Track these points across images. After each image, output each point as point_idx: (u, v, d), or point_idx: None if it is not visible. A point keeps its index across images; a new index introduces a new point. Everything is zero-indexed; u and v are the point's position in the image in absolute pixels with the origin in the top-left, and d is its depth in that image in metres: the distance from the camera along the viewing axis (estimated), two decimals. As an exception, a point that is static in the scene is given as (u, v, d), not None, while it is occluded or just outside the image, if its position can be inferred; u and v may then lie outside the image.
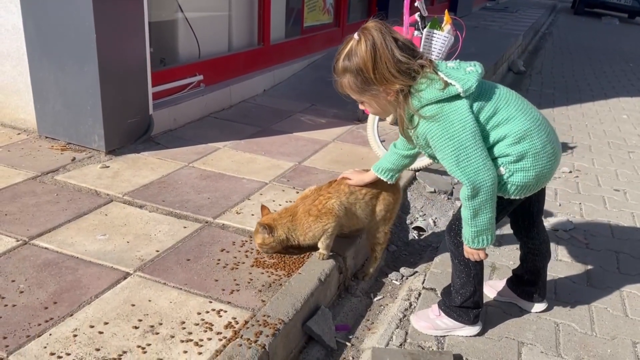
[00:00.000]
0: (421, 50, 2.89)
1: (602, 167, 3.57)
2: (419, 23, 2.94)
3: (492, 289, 2.13)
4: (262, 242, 1.99)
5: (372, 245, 2.14)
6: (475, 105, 1.55)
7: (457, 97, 1.53)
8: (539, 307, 2.03)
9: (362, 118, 3.82)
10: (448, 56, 2.95)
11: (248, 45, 4.47)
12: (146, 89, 3.06)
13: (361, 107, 1.73)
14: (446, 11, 2.90)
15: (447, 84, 1.52)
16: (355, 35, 1.55)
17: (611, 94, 5.62)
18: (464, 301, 1.84)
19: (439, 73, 1.55)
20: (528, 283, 2.02)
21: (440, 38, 2.86)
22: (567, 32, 11.10)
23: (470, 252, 1.70)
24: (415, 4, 2.94)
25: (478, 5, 13.83)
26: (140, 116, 3.04)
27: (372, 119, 3.13)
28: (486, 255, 1.70)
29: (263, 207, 2.10)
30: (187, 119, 3.50)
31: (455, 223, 1.80)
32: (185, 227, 2.22)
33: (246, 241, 2.15)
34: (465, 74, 1.55)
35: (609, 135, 4.26)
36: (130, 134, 3.01)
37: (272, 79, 4.54)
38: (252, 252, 2.07)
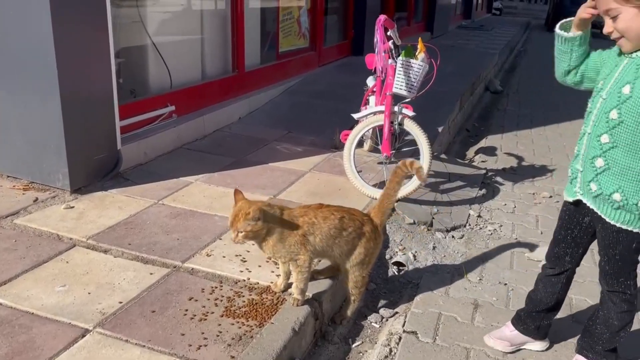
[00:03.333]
0: (395, 79, 2.85)
1: (582, 190, 3.52)
2: (393, 51, 2.89)
3: (500, 341, 1.98)
4: (249, 230, 1.76)
5: (351, 288, 2.04)
6: None
7: None
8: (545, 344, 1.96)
9: (339, 146, 3.74)
10: (423, 84, 2.90)
11: (222, 72, 4.39)
12: (113, 123, 2.95)
13: (608, 26, 1.49)
14: (419, 39, 2.86)
15: None
16: None
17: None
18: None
19: None
20: (546, 318, 1.91)
21: (415, 66, 2.81)
22: (542, 49, 11.24)
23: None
24: (388, 33, 2.89)
25: (454, 24, 14.04)
26: (107, 152, 2.92)
27: (349, 148, 3.05)
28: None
29: (237, 191, 1.85)
30: (159, 152, 3.39)
31: (613, 269, 1.67)
32: (151, 274, 2.10)
33: (216, 287, 2.03)
34: None
35: (588, 156, 4.24)
36: (97, 170, 2.89)
37: (248, 106, 4.46)
38: (222, 300, 1.95)
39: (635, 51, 1.50)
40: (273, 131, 4.09)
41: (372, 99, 3.41)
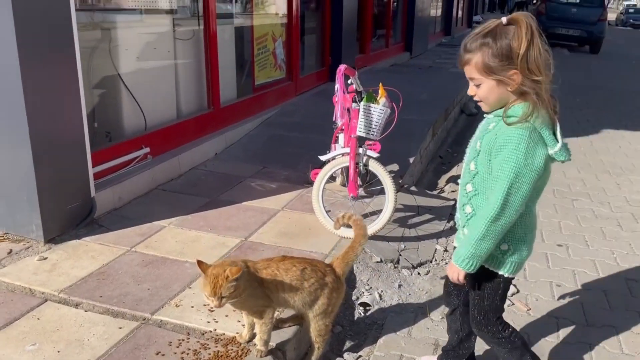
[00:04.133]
0: (358, 123, 2.96)
1: (546, 219, 3.65)
2: (356, 97, 3.01)
3: None
4: (233, 292, 1.79)
5: (314, 337, 2.12)
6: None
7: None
8: None
9: (311, 181, 3.84)
10: (385, 127, 3.01)
11: (198, 110, 4.49)
12: (86, 170, 3.03)
13: (472, 90, 1.67)
14: (380, 84, 2.98)
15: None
16: (503, 20, 1.57)
17: None
18: None
19: None
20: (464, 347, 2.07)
21: (377, 111, 2.92)
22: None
23: (454, 269, 1.70)
24: (349, 82, 3.01)
25: (434, 41, 14.25)
26: (81, 200, 2.99)
27: (318, 187, 3.15)
28: (462, 281, 1.72)
29: (200, 263, 1.86)
30: (133, 195, 3.46)
31: (480, 316, 1.82)
32: (120, 328, 2.17)
33: (183, 340, 2.11)
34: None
35: (554, 182, 4.37)
36: (71, 219, 2.95)
37: (224, 141, 4.55)
38: (188, 354, 2.03)
39: (492, 111, 1.70)
40: (248, 166, 4.18)
41: (341, 137, 3.52)
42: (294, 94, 6.11)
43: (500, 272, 1.73)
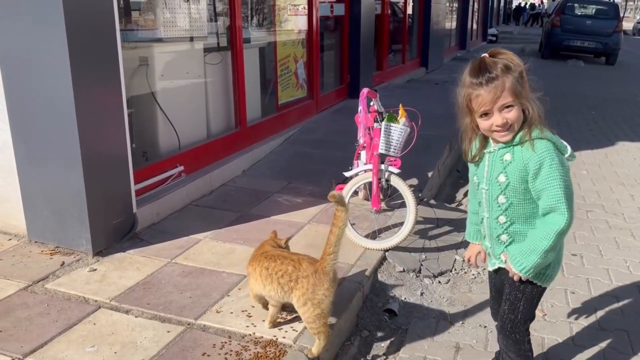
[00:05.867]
0: (380, 141, 3.17)
1: (561, 230, 3.80)
2: (378, 117, 3.23)
3: None
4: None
5: (305, 325, 2.27)
6: None
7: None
8: None
9: (335, 196, 4.05)
10: (405, 145, 3.22)
11: (226, 129, 4.74)
12: (129, 188, 3.28)
13: (501, 118, 1.71)
14: (400, 105, 3.19)
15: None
16: (487, 54, 1.72)
17: (572, 146, 5.78)
18: None
19: None
20: None
21: (397, 130, 3.14)
22: (533, 78, 11.59)
23: (517, 275, 1.81)
24: (371, 103, 3.23)
25: (450, 55, 14.45)
26: (125, 216, 3.24)
27: (343, 203, 3.35)
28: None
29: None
30: (170, 211, 3.70)
31: (509, 322, 1.95)
32: (168, 332, 2.39)
33: (225, 342, 2.32)
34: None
35: (570, 194, 4.52)
36: (116, 233, 3.20)
37: (251, 158, 4.80)
38: (231, 354, 2.24)
39: (494, 148, 1.84)
40: (274, 182, 4.41)
41: (363, 154, 3.73)
42: (315, 111, 6.35)
43: (536, 282, 1.86)
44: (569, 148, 1.79)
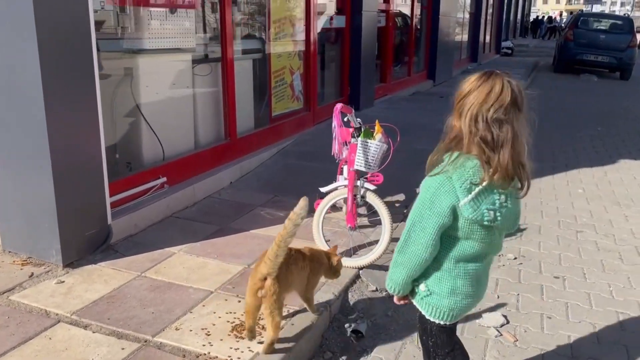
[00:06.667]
0: (356, 157, 3.12)
1: (547, 251, 3.70)
2: (355, 132, 3.18)
3: None
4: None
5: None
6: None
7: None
8: None
9: (315, 211, 4.00)
10: (382, 161, 3.16)
11: (215, 140, 4.73)
12: (104, 199, 3.26)
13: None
14: (377, 121, 3.14)
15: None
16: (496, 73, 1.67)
17: (572, 164, 5.81)
18: None
19: None
20: None
21: (372, 146, 3.08)
22: (544, 93, 11.44)
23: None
24: (346, 119, 3.18)
25: (460, 68, 14.31)
26: (98, 227, 3.23)
27: (318, 217, 3.31)
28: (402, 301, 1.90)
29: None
30: (149, 222, 3.68)
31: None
32: (123, 349, 2.36)
33: (179, 362, 2.28)
34: None
35: (561, 213, 4.41)
36: (89, 244, 3.19)
37: (239, 170, 4.77)
38: (181, 374, 2.19)
39: None
40: (260, 195, 4.37)
41: (345, 169, 3.68)
42: (312, 123, 6.32)
43: (425, 314, 1.85)
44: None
